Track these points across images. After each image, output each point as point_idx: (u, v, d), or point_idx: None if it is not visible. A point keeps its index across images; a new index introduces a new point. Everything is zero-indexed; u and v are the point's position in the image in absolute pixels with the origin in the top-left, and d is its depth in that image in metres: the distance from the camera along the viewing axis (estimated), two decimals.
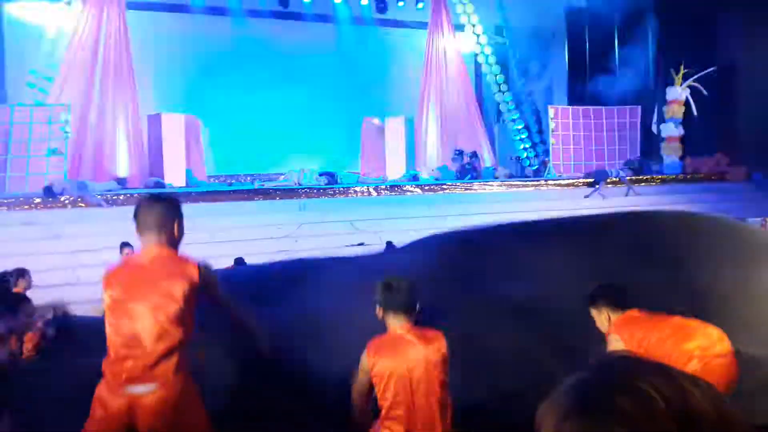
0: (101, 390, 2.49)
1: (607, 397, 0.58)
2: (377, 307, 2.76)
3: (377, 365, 2.66)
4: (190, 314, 2.55)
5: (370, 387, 2.72)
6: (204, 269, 2.62)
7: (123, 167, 11.62)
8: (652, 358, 2.93)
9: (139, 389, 2.44)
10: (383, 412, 2.67)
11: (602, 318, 3.21)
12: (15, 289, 5.28)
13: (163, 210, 2.61)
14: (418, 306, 2.75)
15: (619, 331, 3.10)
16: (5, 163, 10.25)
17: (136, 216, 2.63)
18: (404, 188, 11.12)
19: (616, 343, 3.10)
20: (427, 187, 11.34)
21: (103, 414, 2.46)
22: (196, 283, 2.56)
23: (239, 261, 6.95)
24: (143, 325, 2.46)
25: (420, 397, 2.62)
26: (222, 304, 2.74)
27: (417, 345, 2.67)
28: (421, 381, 2.64)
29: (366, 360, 2.69)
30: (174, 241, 2.63)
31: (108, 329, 2.52)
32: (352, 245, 8.94)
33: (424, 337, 2.71)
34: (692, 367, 2.84)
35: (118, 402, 2.44)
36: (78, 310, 6.89)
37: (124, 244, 6.79)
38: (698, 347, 2.95)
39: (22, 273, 5.57)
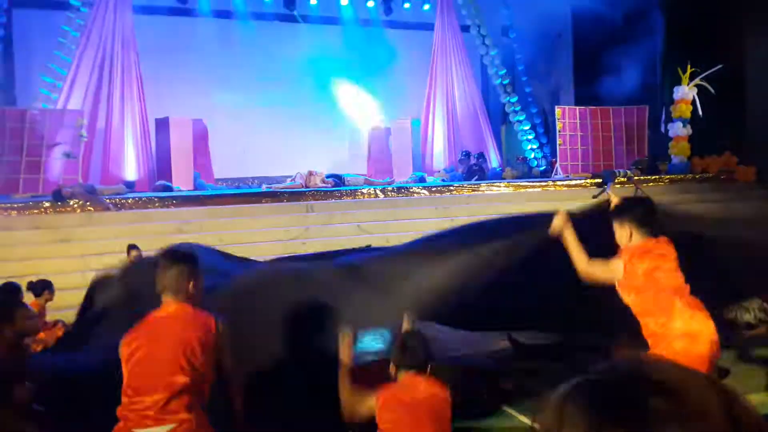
0: None
1: (638, 399, 0.56)
2: (391, 364, 2.86)
3: (383, 414, 2.75)
4: (207, 362, 2.66)
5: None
6: (221, 324, 2.73)
7: (131, 171, 11.68)
8: (646, 297, 2.90)
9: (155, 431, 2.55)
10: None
11: (623, 234, 3.01)
12: (37, 299, 5.48)
13: (178, 273, 2.72)
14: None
15: (630, 257, 2.95)
16: (19, 165, 10.30)
17: (156, 276, 2.75)
18: (411, 190, 11.11)
19: (616, 270, 2.97)
20: (434, 189, 11.32)
21: None
22: (212, 333, 2.68)
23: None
24: (160, 371, 2.57)
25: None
26: (225, 370, 2.79)
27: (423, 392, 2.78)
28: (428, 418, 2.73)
29: (373, 403, 2.78)
30: (192, 299, 2.73)
31: (126, 377, 2.62)
32: (359, 247, 8.94)
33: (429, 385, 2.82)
34: (676, 345, 2.82)
35: None
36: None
37: (132, 247, 6.82)
38: (694, 330, 2.87)
39: (47, 285, 5.67)
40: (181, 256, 2.82)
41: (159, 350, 2.60)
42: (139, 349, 2.62)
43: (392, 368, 2.85)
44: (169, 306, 2.71)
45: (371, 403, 2.79)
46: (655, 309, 2.92)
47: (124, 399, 2.60)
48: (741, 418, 0.56)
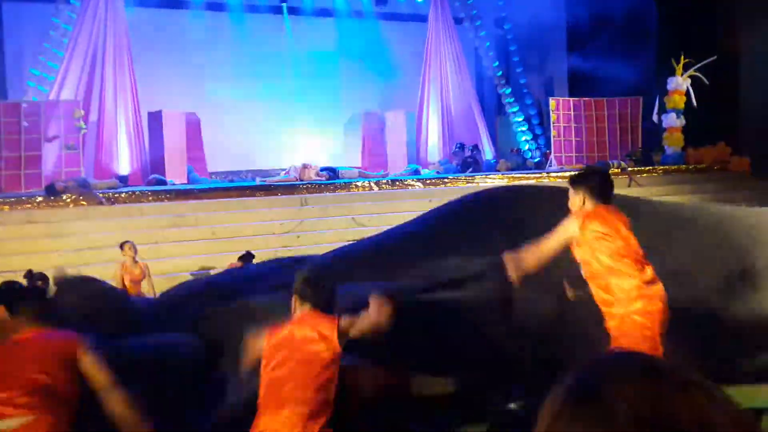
0: None
1: (614, 397, 0.57)
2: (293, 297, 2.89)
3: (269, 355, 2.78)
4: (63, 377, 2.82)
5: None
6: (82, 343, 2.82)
7: (124, 165, 11.62)
8: (601, 259, 2.99)
9: None
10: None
11: (576, 199, 3.15)
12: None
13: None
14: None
15: (585, 219, 3.05)
16: (19, 161, 10.15)
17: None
18: (406, 182, 11.10)
19: (570, 226, 3.07)
20: (428, 181, 11.32)
21: None
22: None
23: (246, 257, 6.94)
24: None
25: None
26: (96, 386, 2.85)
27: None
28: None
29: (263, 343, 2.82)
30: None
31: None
32: (354, 240, 8.94)
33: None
34: (635, 306, 2.95)
35: None
36: None
37: (125, 243, 6.80)
38: (643, 284, 2.99)
39: (43, 278, 5.63)
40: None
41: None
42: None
43: (294, 300, 2.87)
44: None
45: (261, 344, 2.78)
46: (608, 272, 3.02)
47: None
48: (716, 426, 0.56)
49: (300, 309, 2.84)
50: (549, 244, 3.12)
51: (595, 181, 3.15)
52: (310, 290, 2.83)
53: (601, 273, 3.05)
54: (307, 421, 2.58)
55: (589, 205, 3.09)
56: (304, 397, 2.62)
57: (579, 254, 3.13)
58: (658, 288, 3.03)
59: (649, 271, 3.04)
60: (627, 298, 2.97)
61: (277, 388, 2.67)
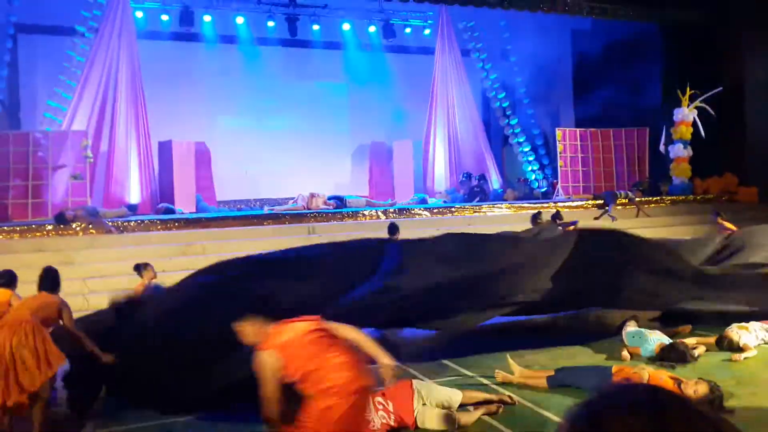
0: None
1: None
2: None
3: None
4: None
5: None
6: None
7: (134, 193, 11.72)
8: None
9: None
10: None
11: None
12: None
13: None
14: None
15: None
16: (27, 190, 10.30)
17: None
18: (413, 211, 11.13)
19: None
20: (435, 210, 11.34)
21: None
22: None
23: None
24: None
25: None
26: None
27: None
28: None
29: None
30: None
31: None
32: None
33: None
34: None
35: None
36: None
37: (142, 266, 6.50)
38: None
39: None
40: None
41: None
42: None
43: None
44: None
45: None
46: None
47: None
48: None
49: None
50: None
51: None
52: None
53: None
54: None
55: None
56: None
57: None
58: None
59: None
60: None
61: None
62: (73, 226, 9.02)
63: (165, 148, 11.97)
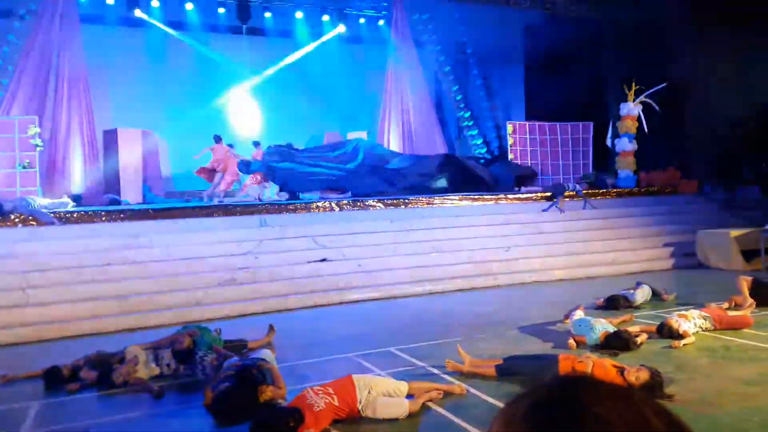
0: None
1: (571, 423, 0.57)
2: None
3: None
4: None
5: None
6: None
7: (77, 183, 11.31)
8: None
9: None
10: None
11: None
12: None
13: None
14: None
15: None
16: None
17: None
18: (367, 203, 11.10)
19: None
20: (389, 202, 11.35)
21: None
22: None
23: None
24: None
25: None
26: None
27: None
28: None
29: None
30: None
31: None
32: (314, 261, 8.88)
33: None
34: None
35: None
36: (27, 332, 6.63)
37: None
38: None
39: None
40: None
41: None
42: None
43: None
44: None
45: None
46: None
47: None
48: None
49: None
50: None
51: None
52: None
53: None
54: None
55: None
56: None
57: None
58: None
59: None
60: None
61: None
62: (12, 217, 8.63)
63: (110, 137, 11.59)
